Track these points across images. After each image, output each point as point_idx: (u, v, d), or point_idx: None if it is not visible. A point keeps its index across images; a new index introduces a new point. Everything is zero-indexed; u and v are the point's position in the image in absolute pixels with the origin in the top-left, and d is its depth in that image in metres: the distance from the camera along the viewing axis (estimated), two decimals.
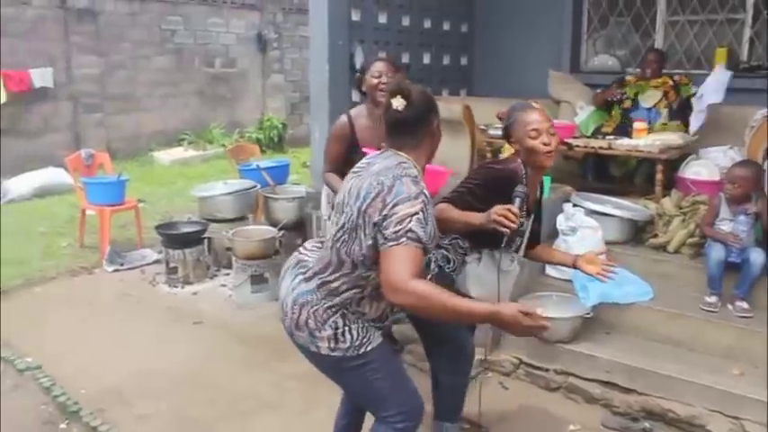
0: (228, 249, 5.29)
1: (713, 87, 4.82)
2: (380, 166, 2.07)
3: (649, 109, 5.16)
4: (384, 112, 2.14)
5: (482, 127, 5.14)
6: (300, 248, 2.32)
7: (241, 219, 5.56)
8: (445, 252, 2.60)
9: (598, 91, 5.54)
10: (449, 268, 2.60)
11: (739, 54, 5.74)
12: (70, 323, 4.37)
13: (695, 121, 4.83)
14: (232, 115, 11.58)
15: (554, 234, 4.18)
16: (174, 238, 5.17)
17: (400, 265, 1.87)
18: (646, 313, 3.70)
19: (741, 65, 5.68)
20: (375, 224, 1.95)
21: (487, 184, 2.54)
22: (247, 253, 4.77)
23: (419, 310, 1.92)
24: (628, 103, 5.24)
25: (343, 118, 3.53)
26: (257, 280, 4.78)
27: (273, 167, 6.40)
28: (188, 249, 5.11)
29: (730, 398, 3.14)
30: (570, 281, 3.89)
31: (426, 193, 2.01)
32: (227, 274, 5.28)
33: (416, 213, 1.93)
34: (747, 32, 5.71)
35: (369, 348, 2.11)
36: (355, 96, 5.69)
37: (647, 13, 6.11)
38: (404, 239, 1.89)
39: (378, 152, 2.21)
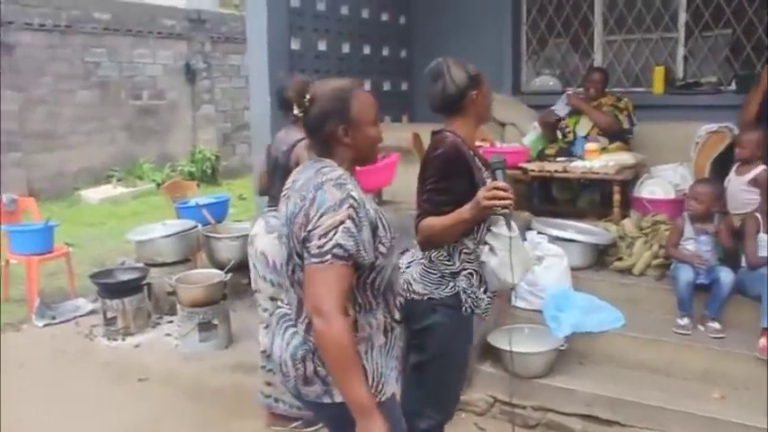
0: (171, 295, 4.98)
1: None
2: (302, 180, 1.89)
3: (585, 137, 5.10)
4: None
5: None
6: (278, 302, 2.07)
7: (183, 261, 5.23)
8: (466, 291, 2.35)
9: (542, 113, 5.49)
10: (480, 311, 2.39)
11: (675, 71, 5.85)
12: (3, 391, 3.94)
13: None
14: (162, 149, 11.14)
15: None
16: (112, 287, 4.80)
17: (327, 291, 1.71)
18: (619, 340, 3.61)
19: (678, 82, 5.79)
20: (302, 241, 1.77)
21: (444, 174, 2.31)
22: (193, 300, 4.46)
23: (327, 343, 1.72)
24: (570, 136, 5.18)
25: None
26: (205, 327, 4.47)
27: (213, 204, 6.10)
28: (127, 298, 4.75)
29: (714, 424, 3.08)
30: (539, 311, 3.79)
31: (355, 195, 1.79)
32: (171, 322, 4.94)
33: (342, 222, 1.73)
34: (681, 51, 5.83)
35: (383, 397, 1.87)
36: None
37: (584, 33, 6.17)
38: (328, 257, 1.71)
39: (301, 166, 2.04)
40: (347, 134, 1.88)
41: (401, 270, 2.37)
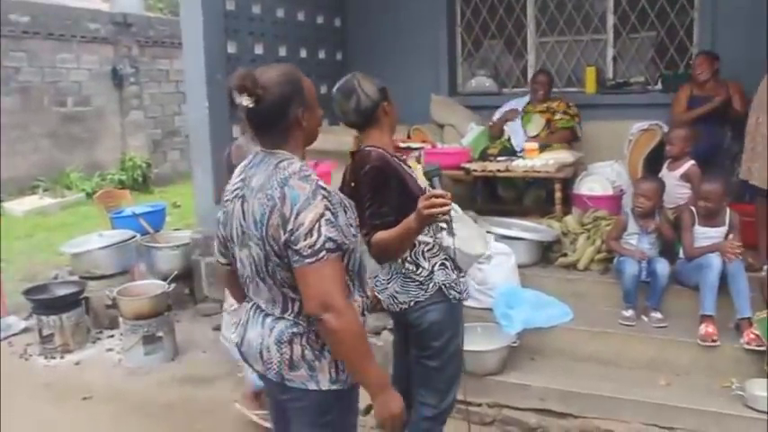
0: (110, 308, 4.80)
1: None
2: (260, 177, 1.82)
3: (535, 137, 5.24)
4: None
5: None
6: (247, 297, 2.00)
7: (121, 273, 5.06)
8: (446, 284, 2.46)
9: (495, 119, 5.58)
10: (464, 295, 2.57)
11: (606, 72, 6.06)
12: None
13: None
14: (90, 157, 10.72)
15: None
16: (48, 303, 4.59)
17: (332, 286, 1.72)
18: (568, 334, 3.71)
19: (608, 82, 6.00)
20: (285, 243, 1.73)
21: (378, 188, 2.35)
22: (137, 312, 4.32)
23: (343, 335, 1.74)
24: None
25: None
26: (150, 340, 4.33)
27: (149, 213, 5.92)
28: (65, 314, 4.54)
29: (663, 409, 3.20)
30: (489, 309, 3.85)
31: (322, 183, 1.78)
32: (112, 336, 4.78)
33: (323, 215, 1.73)
34: (610, 52, 6.05)
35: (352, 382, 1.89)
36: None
37: (518, 35, 6.31)
38: (322, 254, 1.70)
39: (245, 162, 1.94)
40: (304, 117, 1.86)
41: (385, 288, 2.48)
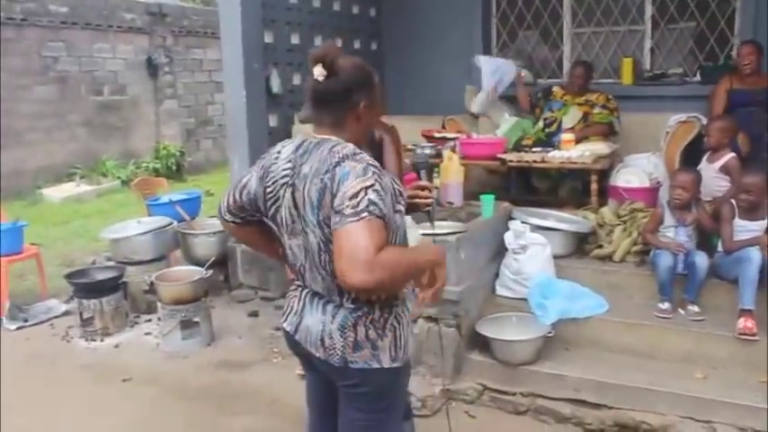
0: (147, 293, 4.90)
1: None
2: (312, 164, 1.79)
3: (570, 129, 5.19)
4: (309, 79, 1.87)
5: (410, 147, 5.03)
6: (296, 283, 2.01)
7: (159, 260, 5.15)
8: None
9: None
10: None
11: (643, 63, 5.98)
12: None
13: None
14: (125, 145, 10.91)
15: (500, 252, 4.12)
16: (89, 287, 4.70)
17: (365, 240, 1.62)
18: (603, 326, 3.70)
19: (645, 74, 5.93)
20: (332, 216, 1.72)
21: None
22: (175, 297, 4.40)
23: (383, 286, 1.70)
24: (554, 127, 5.26)
25: None
26: (187, 325, 4.41)
27: (186, 200, 6.01)
28: (105, 297, 4.65)
29: (700, 403, 3.18)
30: (523, 299, 3.86)
31: (374, 163, 1.77)
32: (149, 321, 4.87)
33: (372, 185, 1.69)
34: (648, 43, 5.97)
35: (405, 358, 1.94)
36: (273, 122, 5.47)
37: (554, 26, 6.26)
38: (365, 214, 1.65)
39: (291, 147, 1.89)
40: (364, 110, 1.87)
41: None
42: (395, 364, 1.89)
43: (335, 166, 1.74)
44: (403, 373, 1.97)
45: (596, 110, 5.20)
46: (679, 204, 3.77)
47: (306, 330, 1.93)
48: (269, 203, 1.93)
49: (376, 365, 1.87)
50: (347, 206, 1.66)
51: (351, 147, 1.81)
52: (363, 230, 1.64)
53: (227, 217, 2.06)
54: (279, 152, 1.93)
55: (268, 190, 1.91)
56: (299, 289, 1.99)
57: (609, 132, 5.19)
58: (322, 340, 1.88)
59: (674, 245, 3.71)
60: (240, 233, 2.13)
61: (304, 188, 1.80)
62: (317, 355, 1.91)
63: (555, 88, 5.45)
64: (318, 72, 1.79)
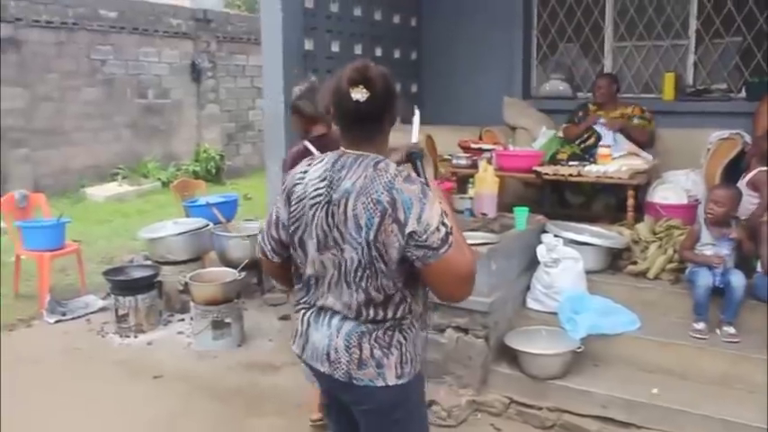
0: (182, 293, 4.99)
1: None
2: (354, 180, 1.79)
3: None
4: (338, 100, 1.83)
5: (447, 157, 5.05)
6: (302, 298, 1.99)
7: (194, 260, 5.25)
8: None
9: (566, 125, 5.49)
10: None
11: (686, 78, 5.88)
12: (17, 386, 3.93)
13: None
14: (167, 147, 11.14)
15: (532, 265, 4.08)
16: (125, 284, 4.81)
17: (464, 258, 1.80)
18: (634, 343, 3.64)
19: (688, 89, 5.83)
20: (405, 244, 1.75)
21: None
22: (208, 298, 4.48)
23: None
24: (592, 141, 5.21)
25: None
26: (219, 326, 4.48)
27: (222, 203, 6.11)
28: (140, 295, 4.75)
29: (732, 427, 3.10)
30: (553, 313, 3.82)
31: (423, 180, 1.86)
32: (182, 320, 4.96)
33: (442, 212, 1.79)
34: (691, 58, 5.87)
35: (416, 370, 1.92)
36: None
37: (595, 39, 6.21)
38: (450, 238, 1.77)
39: (325, 164, 1.88)
40: (391, 124, 1.89)
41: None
42: (400, 381, 1.87)
43: (391, 189, 1.76)
44: (413, 387, 1.93)
45: (635, 120, 5.15)
46: (712, 219, 3.69)
47: (312, 347, 1.93)
48: (291, 221, 1.90)
49: (381, 384, 1.86)
50: (434, 240, 1.75)
51: (392, 164, 1.84)
52: (458, 253, 1.78)
53: (276, 259, 2.02)
54: (305, 171, 1.91)
55: (292, 209, 1.90)
56: (303, 310, 1.98)
57: (648, 142, 5.10)
58: (327, 354, 1.88)
59: (715, 258, 3.62)
60: (283, 271, 2.06)
61: (346, 204, 1.79)
62: (323, 369, 1.91)
63: (590, 105, 5.40)
64: (361, 95, 1.79)
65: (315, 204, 1.84)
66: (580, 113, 5.41)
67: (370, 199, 1.76)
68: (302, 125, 3.34)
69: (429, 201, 1.77)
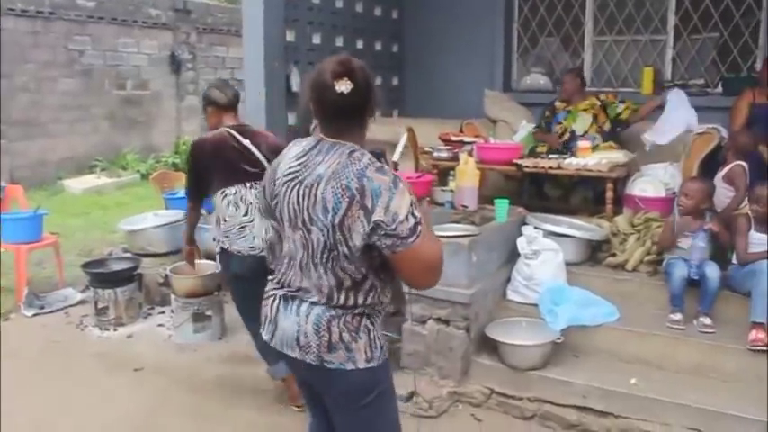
0: (162, 285, 4.96)
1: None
2: (328, 165, 1.84)
3: (583, 135, 5.18)
4: (320, 93, 1.86)
5: (427, 149, 5.06)
6: (271, 287, 2.03)
7: (174, 252, 5.21)
8: None
9: (534, 130, 5.55)
10: None
11: (664, 73, 5.95)
12: None
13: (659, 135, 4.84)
14: (146, 139, 11.03)
15: (512, 257, 4.12)
16: (104, 277, 4.77)
17: (431, 249, 1.85)
18: (612, 334, 3.68)
19: (666, 83, 5.89)
20: (371, 232, 1.79)
21: None
22: (188, 290, 4.45)
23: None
24: (566, 136, 5.26)
25: None
26: (199, 318, 4.47)
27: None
28: (119, 288, 4.71)
29: (708, 415, 3.15)
30: (533, 305, 3.86)
31: (395, 173, 1.88)
32: (162, 313, 4.93)
33: (413, 202, 1.82)
34: (670, 53, 5.94)
35: (386, 354, 1.97)
36: (291, 120, 5.51)
37: (575, 33, 6.25)
38: (419, 228, 1.81)
39: (304, 146, 1.93)
40: (369, 118, 1.93)
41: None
42: (370, 365, 1.91)
43: (361, 177, 1.79)
44: (382, 371, 1.97)
45: (618, 108, 5.17)
46: (683, 211, 3.76)
47: (282, 333, 1.97)
48: (272, 198, 1.98)
49: (351, 367, 1.89)
50: (402, 229, 1.78)
51: (367, 154, 1.87)
52: (425, 242, 1.82)
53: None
54: (288, 149, 1.99)
55: (273, 187, 1.97)
56: (271, 297, 2.02)
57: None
58: (297, 340, 1.92)
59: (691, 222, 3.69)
60: None
61: (317, 188, 1.84)
62: (293, 355, 1.94)
63: (556, 103, 5.42)
64: (346, 87, 1.82)
65: (287, 182, 1.91)
66: (546, 113, 5.44)
67: (339, 184, 1.80)
68: (216, 116, 3.45)
69: (399, 191, 1.80)
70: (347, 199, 1.79)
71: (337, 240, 1.82)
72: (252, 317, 3.16)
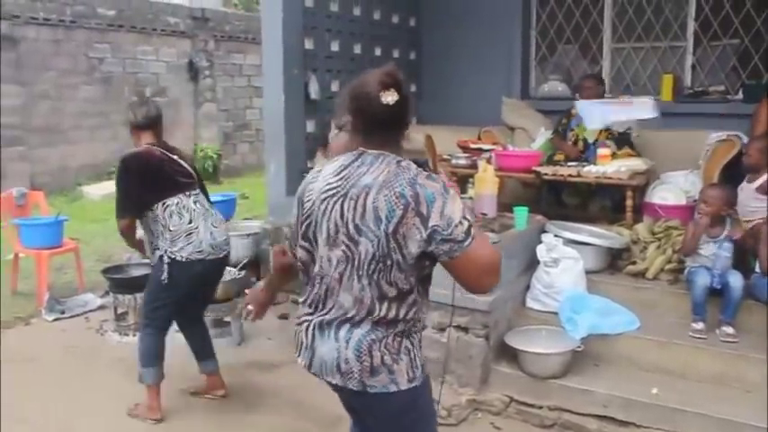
0: None
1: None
2: (376, 175, 1.84)
3: (594, 142, 5.16)
4: (364, 104, 1.87)
5: (446, 157, 5.06)
6: (304, 312, 2.00)
7: None
8: None
9: (552, 135, 5.54)
10: None
11: (683, 80, 5.91)
12: (14, 384, 3.93)
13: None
14: None
15: (531, 265, 4.10)
16: (124, 283, 4.80)
17: (488, 249, 1.87)
18: (633, 343, 3.66)
19: (686, 90, 5.86)
20: (428, 238, 1.80)
21: None
22: None
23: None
24: (580, 145, 5.25)
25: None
26: (219, 324, 4.50)
27: (221, 202, 6.08)
28: (139, 294, 4.71)
29: (730, 425, 3.12)
30: (553, 313, 3.84)
31: (442, 178, 1.92)
32: None
33: (463, 206, 1.85)
34: (689, 59, 5.90)
35: (426, 372, 1.97)
36: (310, 127, 5.54)
37: (593, 40, 6.23)
38: (473, 230, 1.84)
39: (342, 161, 1.92)
40: (407, 129, 1.95)
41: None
42: (413, 384, 1.90)
43: (413, 185, 1.81)
44: (422, 390, 1.96)
45: None
46: (702, 218, 3.73)
47: (320, 360, 1.93)
48: (303, 219, 1.96)
49: (394, 389, 1.88)
50: (458, 233, 1.80)
51: (413, 163, 1.89)
52: (482, 244, 1.85)
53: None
54: (319, 171, 1.99)
55: (305, 208, 1.95)
56: (305, 323, 1.98)
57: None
58: (338, 366, 1.89)
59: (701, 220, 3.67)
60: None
61: (366, 198, 1.83)
62: (335, 382, 1.92)
63: (573, 110, 5.40)
64: (392, 98, 1.84)
65: (326, 198, 1.89)
66: (564, 120, 5.42)
67: (392, 192, 1.81)
68: (135, 134, 3.63)
69: (450, 196, 1.83)
70: (402, 206, 1.79)
71: (391, 249, 1.81)
72: (156, 317, 3.53)
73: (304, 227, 1.95)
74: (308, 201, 1.94)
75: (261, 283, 3.11)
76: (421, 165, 2.03)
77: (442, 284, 2.05)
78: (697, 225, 3.72)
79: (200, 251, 3.39)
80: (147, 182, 3.40)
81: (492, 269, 1.88)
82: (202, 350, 3.81)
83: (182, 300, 3.49)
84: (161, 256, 3.40)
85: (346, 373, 1.89)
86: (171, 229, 3.36)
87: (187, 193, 3.44)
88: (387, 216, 1.80)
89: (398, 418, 1.94)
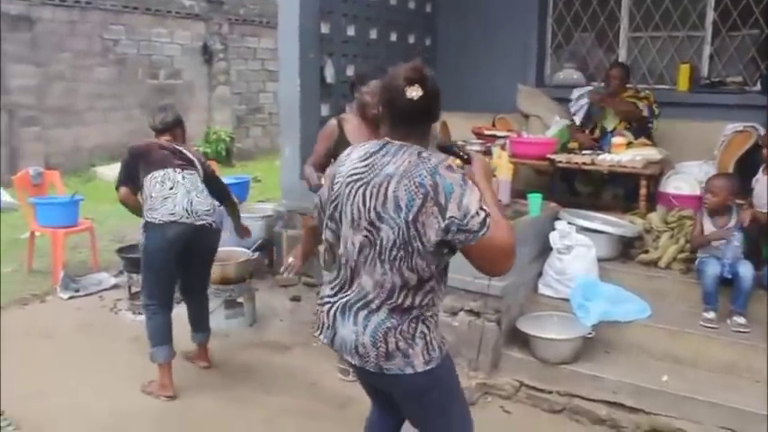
0: None
1: None
2: (398, 165, 1.88)
3: (612, 131, 5.17)
4: (391, 97, 1.92)
5: (460, 143, 5.05)
6: (327, 293, 2.06)
7: None
8: None
9: (570, 122, 5.54)
10: None
11: (701, 70, 5.87)
12: (30, 360, 4.00)
13: None
14: None
15: (544, 251, 4.11)
16: (138, 262, 4.78)
17: (504, 234, 1.88)
18: (645, 331, 3.67)
19: (703, 80, 5.81)
20: (445, 228, 1.84)
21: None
22: (221, 277, 4.51)
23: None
24: (597, 133, 5.24)
25: (333, 121, 3.66)
26: (232, 305, 4.54)
27: (235, 184, 6.11)
28: None
29: (741, 415, 3.14)
30: (565, 300, 3.85)
31: (461, 170, 1.94)
32: None
33: (480, 197, 1.88)
34: (707, 49, 5.85)
35: (445, 352, 2.01)
36: (324, 111, 5.54)
37: (610, 29, 6.19)
38: (488, 219, 1.86)
39: (368, 149, 1.98)
40: (433, 123, 1.99)
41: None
42: (429, 366, 1.95)
43: (434, 175, 1.84)
44: (444, 368, 2.00)
45: (641, 105, 5.14)
46: (707, 208, 3.75)
47: (341, 340, 2.01)
48: (331, 201, 2.01)
49: (410, 371, 1.94)
50: (474, 224, 1.84)
51: (435, 154, 1.93)
52: (495, 232, 1.86)
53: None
54: (348, 154, 2.03)
55: (334, 189, 2.00)
56: (328, 304, 2.04)
57: (636, 114, 5.10)
58: (356, 348, 1.96)
59: (723, 231, 3.66)
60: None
61: (387, 186, 1.88)
62: (354, 362, 2.00)
63: (591, 97, 5.38)
64: (416, 93, 1.88)
65: (351, 182, 1.94)
66: (591, 108, 5.40)
67: (412, 182, 1.85)
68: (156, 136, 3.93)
69: (469, 188, 1.86)
70: (421, 196, 1.83)
71: (411, 237, 1.85)
72: (154, 293, 3.67)
73: (332, 207, 2.00)
74: (337, 183, 1.99)
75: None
76: (449, 150, 2.10)
77: (454, 269, 2.07)
78: (724, 233, 3.71)
79: (172, 213, 3.52)
80: (141, 159, 3.67)
81: (506, 254, 1.89)
82: (195, 321, 3.99)
83: (170, 268, 3.62)
84: (143, 224, 3.58)
85: (363, 356, 1.95)
86: (152, 195, 3.55)
87: (177, 170, 3.63)
88: (407, 205, 1.84)
89: (420, 398, 2.00)
